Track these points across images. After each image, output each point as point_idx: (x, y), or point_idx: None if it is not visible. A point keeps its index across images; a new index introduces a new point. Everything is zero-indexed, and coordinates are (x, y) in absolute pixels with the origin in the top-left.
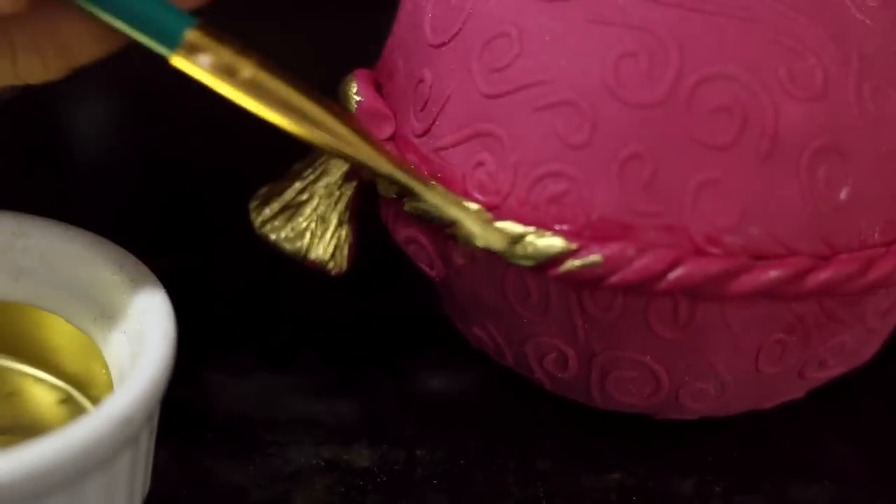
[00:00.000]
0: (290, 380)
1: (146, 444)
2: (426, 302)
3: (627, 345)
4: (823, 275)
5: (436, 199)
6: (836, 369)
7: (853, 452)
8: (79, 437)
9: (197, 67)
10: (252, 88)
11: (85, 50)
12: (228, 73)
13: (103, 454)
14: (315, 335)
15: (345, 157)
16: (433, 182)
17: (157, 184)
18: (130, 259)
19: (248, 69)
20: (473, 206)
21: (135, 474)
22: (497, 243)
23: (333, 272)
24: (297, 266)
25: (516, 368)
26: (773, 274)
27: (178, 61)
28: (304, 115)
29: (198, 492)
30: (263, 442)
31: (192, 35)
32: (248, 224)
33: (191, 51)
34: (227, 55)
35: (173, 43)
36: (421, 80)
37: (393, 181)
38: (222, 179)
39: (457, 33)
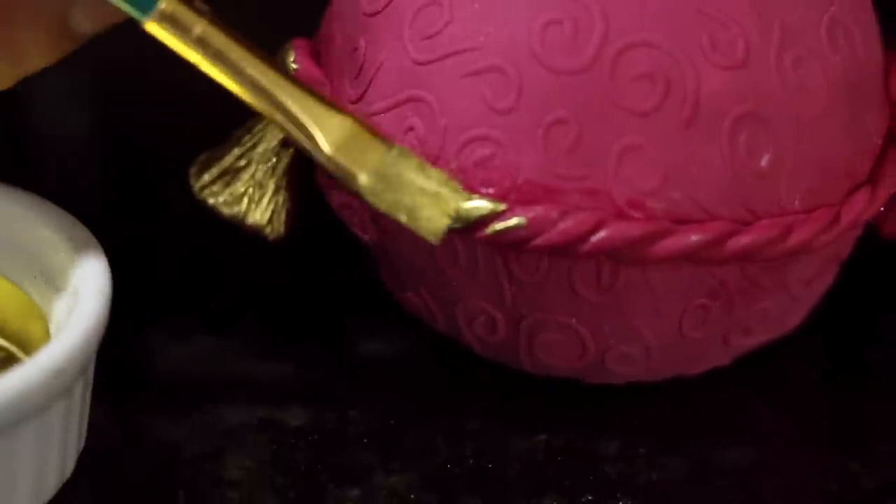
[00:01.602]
0: (229, 343)
1: (80, 397)
2: (363, 268)
3: (553, 308)
4: (744, 239)
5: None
6: (760, 336)
7: (776, 418)
8: (11, 386)
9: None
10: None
11: (37, 58)
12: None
13: (36, 404)
14: (254, 300)
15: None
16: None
17: (104, 152)
18: (70, 220)
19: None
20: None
21: (68, 426)
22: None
23: (271, 237)
24: (239, 233)
25: (448, 333)
26: (694, 238)
27: (152, 27)
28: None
29: (133, 447)
30: (200, 401)
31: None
32: (189, 188)
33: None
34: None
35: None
36: (355, 48)
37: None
38: (168, 147)
39: (390, 1)
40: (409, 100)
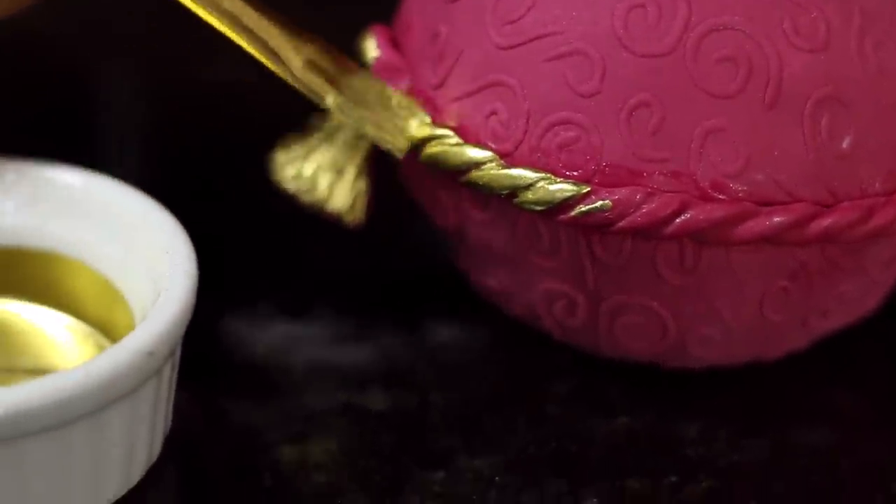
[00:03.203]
0: (308, 329)
1: (168, 379)
2: (438, 255)
3: (635, 290)
4: (826, 221)
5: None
6: (838, 319)
7: (855, 401)
8: (101, 368)
9: None
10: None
11: None
12: None
13: (126, 386)
14: (331, 286)
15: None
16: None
17: (182, 141)
18: (154, 206)
19: None
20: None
21: (157, 408)
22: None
23: (351, 223)
24: (316, 219)
25: (526, 317)
26: (777, 220)
27: None
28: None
29: (217, 431)
30: (281, 386)
31: None
32: (269, 176)
33: None
34: None
35: None
36: (436, 34)
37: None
38: (246, 132)
39: None
40: (492, 84)
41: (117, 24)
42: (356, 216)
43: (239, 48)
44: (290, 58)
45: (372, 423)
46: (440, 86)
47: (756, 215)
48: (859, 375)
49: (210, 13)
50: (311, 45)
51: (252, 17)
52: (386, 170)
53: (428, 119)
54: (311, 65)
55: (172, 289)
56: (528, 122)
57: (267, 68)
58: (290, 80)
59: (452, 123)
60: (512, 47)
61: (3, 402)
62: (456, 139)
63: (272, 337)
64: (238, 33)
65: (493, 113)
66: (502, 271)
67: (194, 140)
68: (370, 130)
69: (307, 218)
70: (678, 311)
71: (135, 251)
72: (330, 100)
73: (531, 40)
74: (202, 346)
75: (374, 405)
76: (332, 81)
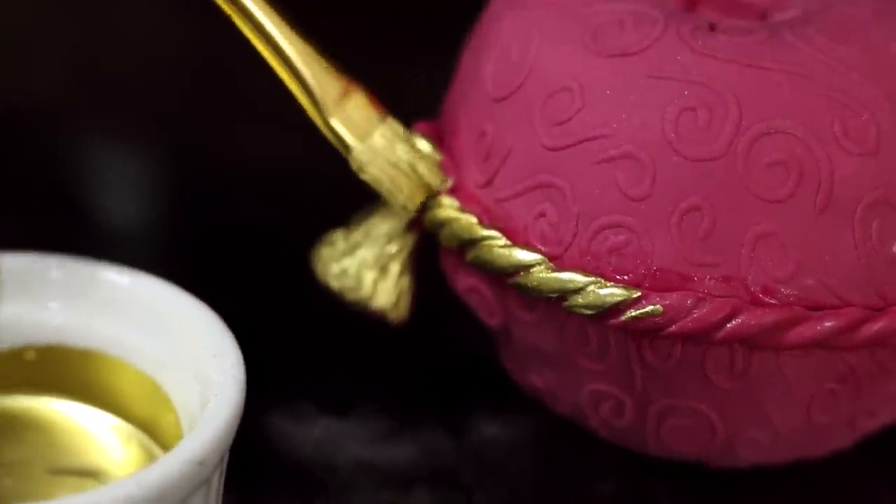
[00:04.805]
0: (350, 427)
1: (217, 486)
2: (480, 351)
3: (684, 393)
4: (876, 326)
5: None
6: (885, 418)
7: None
8: (154, 478)
9: None
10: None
11: None
12: None
13: (177, 496)
14: (372, 383)
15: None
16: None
17: (215, 231)
18: (199, 305)
19: None
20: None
21: None
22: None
23: (394, 321)
24: (355, 314)
25: (572, 416)
26: (828, 324)
27: None
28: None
29: None
30: (326, 485)
31: None
32: (310, 272)
33: None
34: None
35: None
36: (483, 133)
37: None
38: (283, 226)
39: (518, 87)
40: (541, 185)
41: (147, 101)
42: (400, 314)
43: (283, 132)
44: (325, 99)
45: None
46: (487, 185)
47: (807, 320)
48: None
49: (250, 30)
50: (349, 88)
51: (295, 46)
52: (428, 264)
53: (448, 180)
54: (343, 111)
55: (222, 395)
56: (577, 224)
57: (303, 163)
58: (318, 121)
59: (500, 224)
60: (561, 149)
61: None
62: (504, 241)
63: (315, 435)
64: (271, 54)
65: (542, 215)
66: (548, 371)
67: (233, 233)
68: (384, 189)
69: (348, 313)
70: (726, 413)
71: (181, 352)
72: (355, 151)
73: (580, 142)
74: (244, 445)
75: None
76: (359, 133)
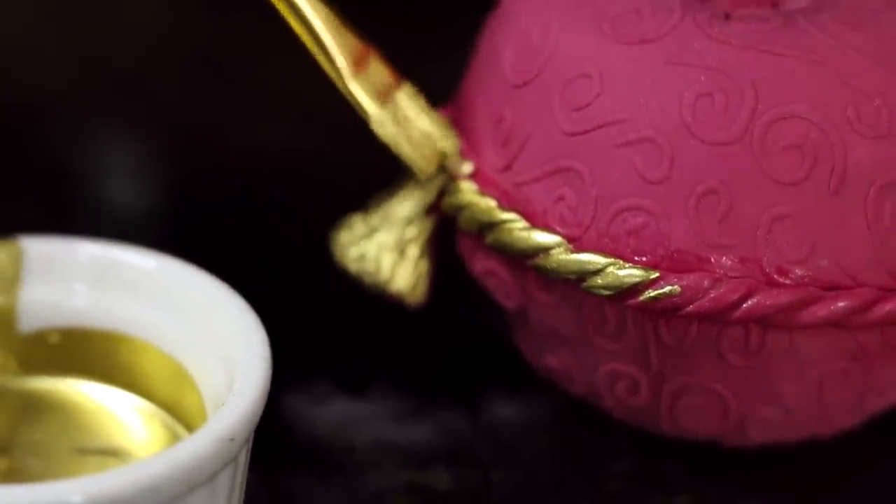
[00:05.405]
0: (368, 407)
1: (244, 464)
2: (496, 333)
3: (698, 372)
4: (888, 305)
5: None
6: (892, 398)
7: None
8: (184, 455)
9: None
10: None
11: None
12: None
13: (207, 472)
14: (390, 364)
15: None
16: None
17: (238, 213)
18: (222, 287)
19: None
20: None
21: (233, 494)
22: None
23: (412, 304)
24: (373, 297)
25: (586, 396)
26: (841, 304)
27: None
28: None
29: None
30: (344, 465)
31: None
32: (329, 255)
33: None
34: None
35: None
36: (501, 118)
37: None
38: (302, 211)
39: (538, 74)
40: (560, 170)
41: (161, 94)
42: (418, 297)
43: (297, 120)
44: (341, 58)
45: (438, 502)
46: (506, 169)
47: (820, 300)
48: None
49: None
50: (367, 52)
51: (316, 11)
52: (445, 246)
53: (460, 144)
54: (361, 70)
55: (248, 373)
56: (596, 207)
57: (320, 149)
58: (336, 80)
59: (519, 208)
60: (580, 133)
61: (86, 491)
62: (523, 223)
63: (333, 415)
64: (294, 19)
65: (561, 198)
66: (564, 351)
67: (252, 218)
68: (404, 150)
69: (366, 295)
70: (740, 392)
71: (204, 333)
72: (374, 112)
73: (599, 127)
74: (263, 425)
75: (438, 484)
76: (379, 94)
